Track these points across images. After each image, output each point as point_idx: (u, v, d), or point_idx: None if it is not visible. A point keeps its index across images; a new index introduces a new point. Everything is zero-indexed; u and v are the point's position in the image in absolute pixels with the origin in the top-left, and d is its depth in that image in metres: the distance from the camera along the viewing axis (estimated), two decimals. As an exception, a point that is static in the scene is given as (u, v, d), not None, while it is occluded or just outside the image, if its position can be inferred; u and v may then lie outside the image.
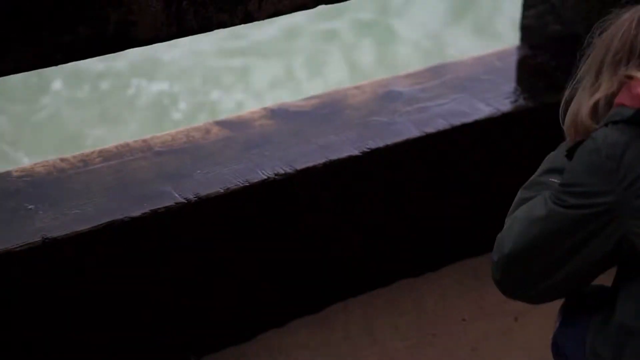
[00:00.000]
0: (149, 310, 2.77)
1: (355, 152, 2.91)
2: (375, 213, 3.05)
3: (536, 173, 2.10)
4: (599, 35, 1.97)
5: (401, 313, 3.10)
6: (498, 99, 3.17)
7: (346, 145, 2.93)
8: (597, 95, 1.90)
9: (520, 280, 1.95)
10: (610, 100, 1.88)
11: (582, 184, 1.81)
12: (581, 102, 1.94)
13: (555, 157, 2.10)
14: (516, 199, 2.05)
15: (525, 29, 3.51)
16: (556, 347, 2.10)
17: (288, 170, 2.83)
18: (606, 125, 1.81)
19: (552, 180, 2.02)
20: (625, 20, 1.92)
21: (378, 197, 3.03)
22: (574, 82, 2.01)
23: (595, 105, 1.90)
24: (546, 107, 3.14)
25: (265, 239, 2.88)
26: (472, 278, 3.24)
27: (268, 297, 2.96)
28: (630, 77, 1.84)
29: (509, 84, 3.25)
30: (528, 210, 1.92)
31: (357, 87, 3.20)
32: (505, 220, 2.02)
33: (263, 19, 2.55)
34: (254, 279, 2.91)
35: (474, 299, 3.17)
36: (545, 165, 2.09)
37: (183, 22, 2.41)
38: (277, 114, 3.05)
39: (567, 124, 1.99)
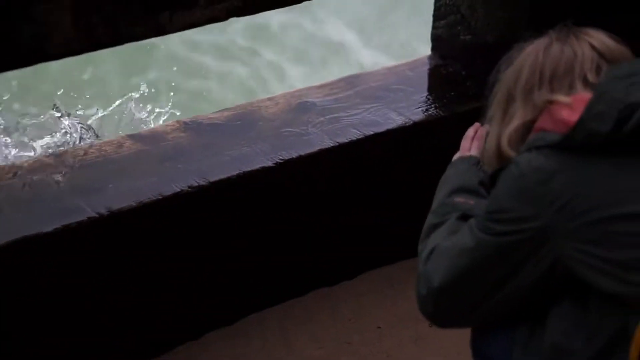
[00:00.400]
0: (57, 326, 2.73)
1: (269, 164, 2.92)
2: (289, 223, 3.05)
3: (439, 196, 2.10)
4: (505, 70, 1.99)
5: (317, 322, 3.12)
6: (410, 108, 3.20)
7: (259, 156, 2.93)
8: (515, 123, 1.91)
9: (454, 311, 1.92)
10: (528, 127, 1.89)
11: (509, 209, 1.79)
12: (498, 134, 1.95)
13: (452, 176, 2.13)
14: (426, 224, 2.04)
15: (436, 39, 3.54)
16: (477, 350, 2.05)
17: (202, 182, 2.82)
18: (529, 150, 1.80)
19: (459, 200, 2.03)
20: (530, 52, 1.95)
21: (292, 207, 3.04)
22: (488, 120, 2.03)
23: (514, 133, 1.91)
24: (457, 116, 3.19)
25: (179, 252, 2.86)
26: (387, 286, 3.27)
27: (182, 310, 2.95)
28: (551, 102, 1.86)
29: (421, 94, 3.28)
30: (454, 241, 1.90)
31: (270, 99, 3.21)
32: (419, 246, 2.00)
33: (175, 31, 2.55)
34: (168, 292, 2.90)
35: (389, 307, 3.19)
36: (446, 186, 2.10)
37: (93, 36, 2.40)
38: (191, 126, 3.04)
39: (486, 158, 2.01)
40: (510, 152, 1.90)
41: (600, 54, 1.91)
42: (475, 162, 2.13)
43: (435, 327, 2.02)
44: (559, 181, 1.74)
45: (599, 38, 1.94)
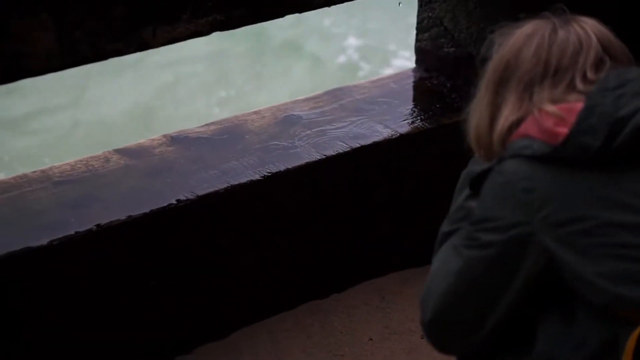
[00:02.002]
0: (43, 342, 2.74)
1: (257, 177, 2.94)
2: (278, 236, 3.07)
3: (458, 199, 2.00)
4: (500, 46, 1.90)
5: (308, 335, 3.12)
6: (396, 120, 3.22)
7: (247, 170, 2.95)
8: (508, 118, 1.85)
9: (455, 336, 1.89)
10: (517, 123, 1.84)
11: (496, 218, 1.77)
12: (490, 115, 1.88)
13: (469, 175, 2.01)
14: (440, 231, 1.98)
15: (420, 52, 3.57)
16: None
17: (190, 196, 2.84)
18: (512, 157, 1.78)
19: (473, 205, 1.93)
20: (532, 34, 1.87)
21: (280, 220, 3.06)
22: (475, 95, 1.94)
23: (506, 130, 1.85)
24: (443, 127, 3.20)
25: (168, 266, 2.88)
26: (378, 298, 3.27)
27: (173, 324, 2.96)
28: (540, 109, 1.81)
29: (406, 106, 3.30)
30: (441, 265, 1.87)
31: (256, 112, 3.23)
32: (432, 258, 1.95)
33: (158, 46, 2.57)
34: (157, 306, 2.91)
35: (380, 319, 3.20)
36: (465, 188, 1.98)
37: (76, 51, 2.41)
38: (177, 140, 3.06)
39: (471, 139, 1.94)
40: (499, 147, 1.86)
41: (604, 47, 1.86)
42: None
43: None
44: (544, 190, 1.74)
45: (599, 29, 1.88)
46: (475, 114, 1.93)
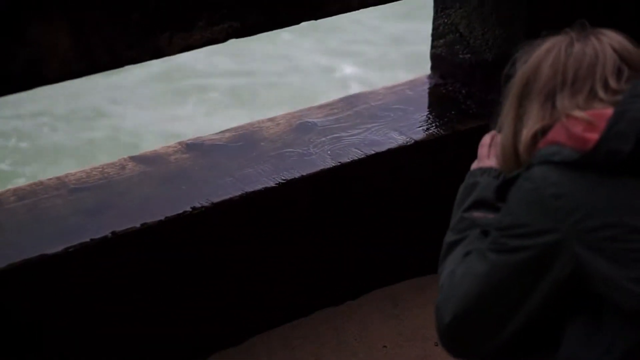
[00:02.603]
0: (57, 349, 2.74)
1: (272, 184, 2.93)
2: (293, 243, 3.07)
3: (457, 210, 2.05)
4: (522, 65, 1.94)
5: (322, 342, 3.12)
6: (411, 127, 3.22)
7: (262, 177, 2.95)
8: (532, 127, 1.87)
9: (470, 343, 1.89)
10: (543, 131, 1.85)
11: (525, 224, 1.77)
12: (514, 132, 1.91)
13: (471, 189, 2.07)
14: (445, 242, 2.00)
15: (435, 58, 3.56)
16: None
17: (205, 204, 2.83)
18: (542, 163, 1.78)
19: (478, 215, 1.99)
20: (550, 49, 1.90)
21: (296, 227, 3.05)
22: (502, 115, 1.97)
23: (530, 139, 1.87)
24: (458, 134, 3.20)
25: (183, 273, 2.88)
26: (391, 305, 3.27)
27: (189, 331, 2.96)
28: (568, 115, 1.82)
29: (421, 113, 3.30)
30: (465, 269, 1.87)
31: (271, 120, 3.23)
32: (439, 267, 1.97)
33: (173, 54, 2.56)
34: (173, 313, 2.91)
35: (394, 326, 3.19)
36: (465, 200, 2.05)
37: (92, 58, 2.41)
38: (192, 148, 3.06)
39: (502, 158, 1.96)
40: (525, 156, 1.87)
41: (622, 57, 1.87)
42: (495, 175, 2.08)
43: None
44: (574, 196, 1.74)
45: (618, 40, 1.90)
46: (502, 131, 1.96)
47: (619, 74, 1.86)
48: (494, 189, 1.92)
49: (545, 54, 1.90)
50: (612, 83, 1.85)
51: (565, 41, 1.91)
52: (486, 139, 2.21)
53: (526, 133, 1.88)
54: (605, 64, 1.86)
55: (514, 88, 1.94)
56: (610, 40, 1.89)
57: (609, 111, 1.77)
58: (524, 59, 1.94)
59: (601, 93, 1.84)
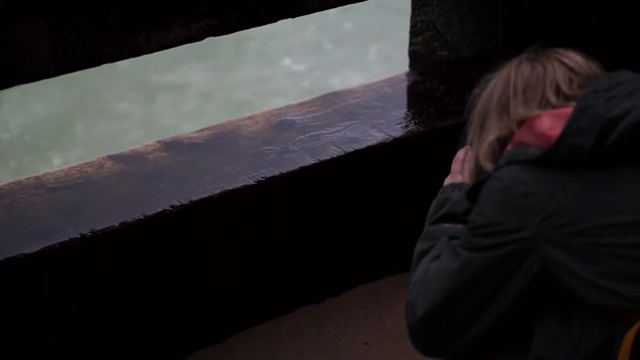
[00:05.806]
0: (34, 348, 2.73)
1: (250, 182, 2.93)
2: (273, 241, 3.07)
3: (428, 222, 2.09)
4: (481, 91, 2.00)
5: (304, 339, 3.12)
6: (390, 125, 3.22)
7: (241, 175, 2.95)
8: (490, 137, 1.92)
9: (441, 340, 1.90)
10: (503, 141, 1.89)
11: (494, 223, 1.80)
12: (477, 152, 1.96)
13: (442, 204, 2.10)
14: (415, 252, 2.03)
15: (414, 56, 3.57)
16: None
17: (184, 202, 2.83)
18: (509, 164, 1.81)
19: (447, 226, 2.03)
20: (502, 71, 1.98)
21: (275, 225, 3.05)
22: (468, 142, 2.03)
23: (489, 148, 1.91)
24: (436, 131, 3.21)
25: (162, 271, 2.87)
26: (373, 302, 3.27)
27: (169, 329, 2.95)
28: (528, 117, 1.86)
29: (400, 110, 3.31)
30: (437, 265, 1.90)
31: (250, 118, 3.23)
32: (410, 277, 1.99)
33: (151, 52, 2.57)
34: (153, 312, 2.90)
35: (375, 323, 3.20)
36: (436, 214, 2.08)
37: (71, 57, 2.41)
38: (171, 146, 3.06)
39: (469, 179, 2.00)
40: (487, 165, 1.91)
41: (570, 69, 1.93)
42: (466, 190, 2.07)
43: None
44: (541, 194, 1.75)
45: (569, 55, 1.96)
46: (471, 156, 2.00)
47: (570, 82, 1.91)
48: (466, 192, 1.94)
49: (498, 77, 1.97)
50: (565, 88, 1.90)
51: (515, 62, 1.98)
52: (460, 154, 2.23)
53: (484, 145, 1.93)
54: (555, 74, 1.92)
55: (475, 114, 2.00)
56: (559, 56, 1.96)
57: (571, 109, 1.80)
58: (483, 86, 2.01)
59: (553, 99, 1.88)
